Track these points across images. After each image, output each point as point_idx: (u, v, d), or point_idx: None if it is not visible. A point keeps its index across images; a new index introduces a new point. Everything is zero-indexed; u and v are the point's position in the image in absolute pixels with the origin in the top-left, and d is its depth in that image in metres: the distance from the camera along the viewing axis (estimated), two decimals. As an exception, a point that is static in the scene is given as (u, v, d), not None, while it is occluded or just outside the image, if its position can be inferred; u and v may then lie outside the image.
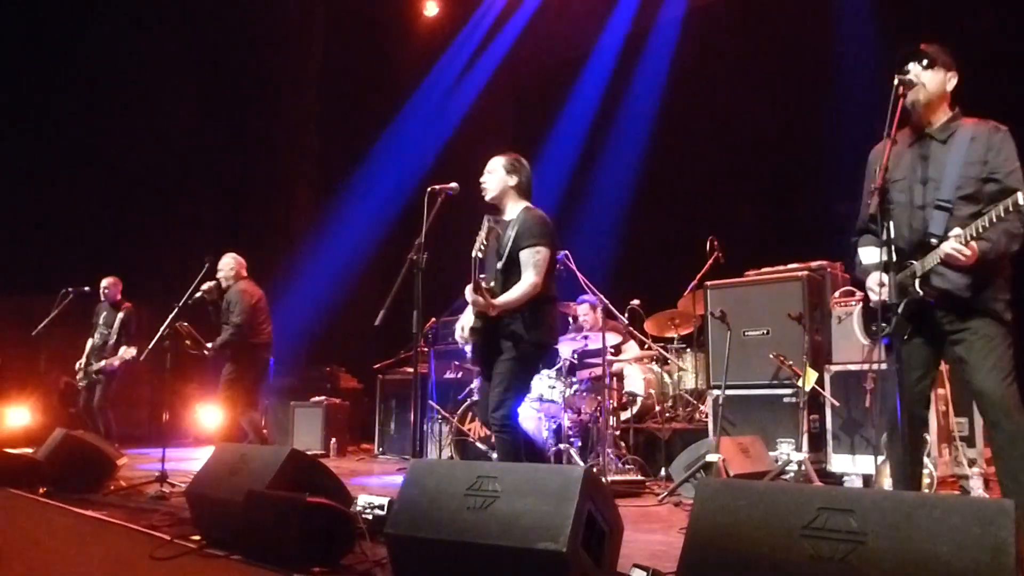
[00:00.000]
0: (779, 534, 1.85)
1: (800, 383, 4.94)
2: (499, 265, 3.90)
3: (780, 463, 4.96)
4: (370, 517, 3.16)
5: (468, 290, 3.78)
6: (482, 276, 3.78)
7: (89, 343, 7.62)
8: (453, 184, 4.06)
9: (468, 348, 4.20)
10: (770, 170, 8.51)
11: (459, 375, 7.45)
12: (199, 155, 11.49)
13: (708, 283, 5.87)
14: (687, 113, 9.16)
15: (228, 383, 6.41)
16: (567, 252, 5.80)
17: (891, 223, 2.79)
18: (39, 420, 7.79)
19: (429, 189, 4.01)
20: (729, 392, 5.24)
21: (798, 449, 5.02)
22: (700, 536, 1.99)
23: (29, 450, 5.79)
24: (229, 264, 6.64)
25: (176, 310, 5.44)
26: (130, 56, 11.01)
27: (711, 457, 4.69)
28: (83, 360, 7.53)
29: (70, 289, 7.37)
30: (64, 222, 10.53)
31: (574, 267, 5.56)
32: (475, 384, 6.75)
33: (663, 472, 5.53)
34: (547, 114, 10.62)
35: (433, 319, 7.31)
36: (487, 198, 4.15)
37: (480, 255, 3.76)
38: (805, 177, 7.98)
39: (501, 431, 3.85)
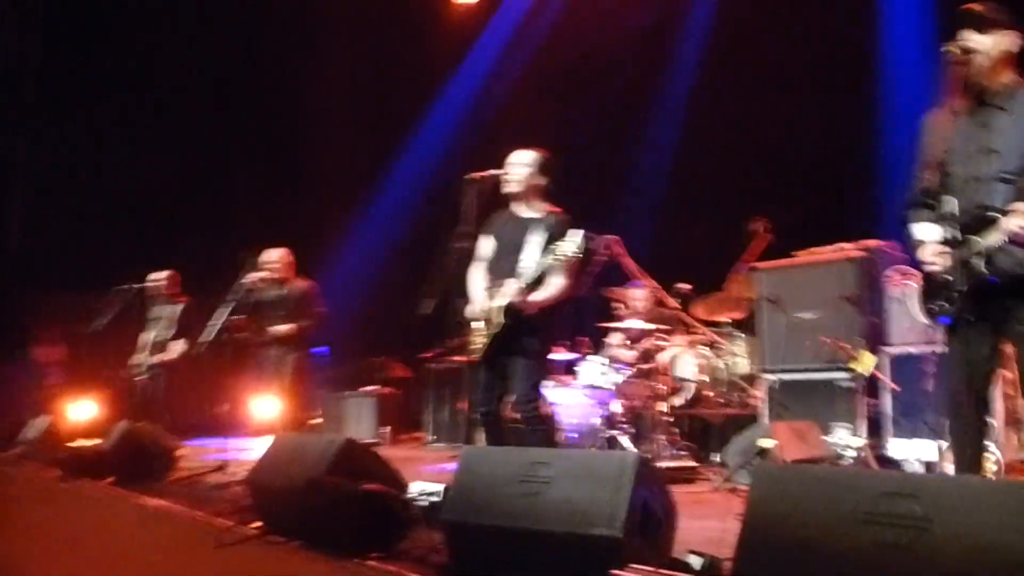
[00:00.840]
0: (840, 520, 1.82)
1: (856, 366, 4.84)
2: (531, 268, 3.98)
3: (837, 448, 4.87)
4: (425, 504, 3.19)
5: (513, 286, 3.89)
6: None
7: (145, 337, 7.82)
8: (491, 171, 4.06)
9: (476, 336, 4.19)
10: (820, 146, 8.30)
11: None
12: (237, 150, 11.69)
13: (759, 265, 5.77)
14: (731, 90, 8.97)
15: (297, 372, 6.58)
16: (616, 237, 5.78)
17: (951, 196, 2.68)
18: (103, 413, 8.02)
19: (466, 177, 4.01)
20: (782, 377, 5.16)
21: (855, 434, 4.92)
22: (757, 522, 1.97)
23: (95, 442, 5.97)
24: (284, 258, 6.75)
25: (232, 304, 5.55)
26: (170, 58, 11.25)
27: (765, 443, 4.63)
28: (141, 354, 7.73)
29: (128, 285, 7.56)
30: (117, 222, 10.83)
31: (622, 251, 5.53)
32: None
33: (716, 458, 5.48)
34: (583, 97, 10.51)
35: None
36: (508, 190, 4.18)
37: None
38: (857, 153, 7.76)
39: (536, 423, 3.99)
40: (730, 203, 8.14)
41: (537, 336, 4.02)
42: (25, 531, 6.50)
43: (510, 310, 3.96)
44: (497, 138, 10.37)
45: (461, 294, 3.96)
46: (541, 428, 4.02)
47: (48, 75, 11.26)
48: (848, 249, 5.49)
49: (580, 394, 5.99)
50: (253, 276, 6.30)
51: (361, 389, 8.67)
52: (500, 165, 4.17)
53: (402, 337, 9.66)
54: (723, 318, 6.90)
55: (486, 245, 4.31)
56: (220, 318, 5.60)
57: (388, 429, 8.42)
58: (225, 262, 7.12)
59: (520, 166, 4.13)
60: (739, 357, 6.93)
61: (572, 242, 3.80)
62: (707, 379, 6.60)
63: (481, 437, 7.08)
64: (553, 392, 6.05)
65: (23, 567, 6.32)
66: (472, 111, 11.10)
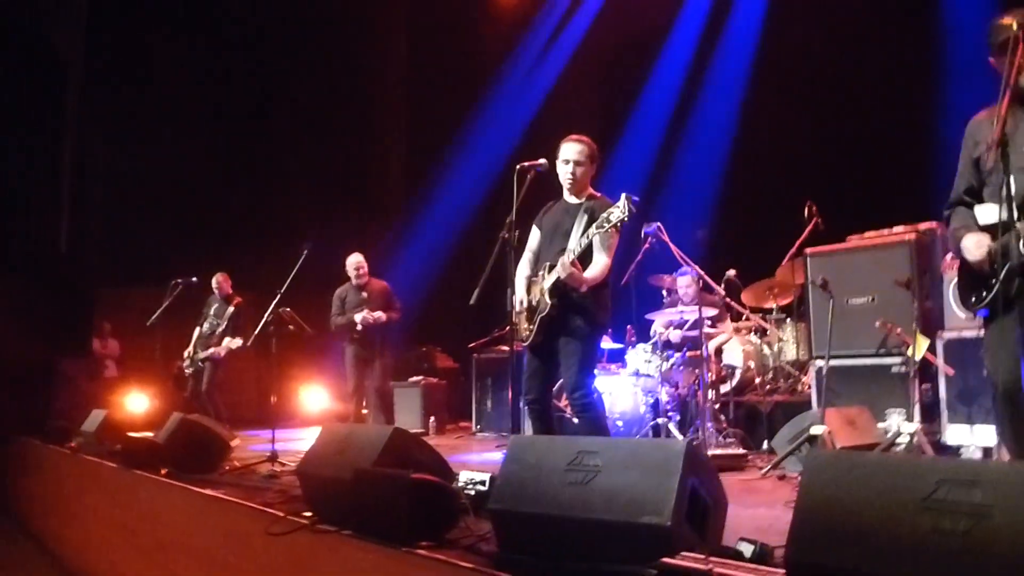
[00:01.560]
0: (897, 507, 1.78)
1: (910, 352, 4.73)
2: (575, 244, 4.02)
3: (890, 435, 4.77)
4: (472, 493, 3.20)
5: (564, 259, 3.89)
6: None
7: (196, 332, 8.06)
8: (542, 161, 4.06)
9: (523, 327, 4.23)
10: (871, 128, 8.09)
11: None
12: (292, 144, 11.83)
13: (808, 250, 5.67)
14: (781, 72, 8.81)
15: (386, 366, 7.40)
16: (659, 224, 5.74)
17: (1011, 178, 2.58)
18: (156, 405, 8.22)
19: (518, 167, 4.02)
20: (833, 362, 5.07)
21: (909, 420, 4.82)
22: (810, 509, 1.93)
23: (149, 434, 6.11)
24: (363, 263, 7.48)
25: (279, 297, 5.63)
26: (225, 58, 11.43)
27: (816, 429, 4.55)
28: (190, 348, 7.98)
29: (179, 280, 7.73)
30: (173, 219, 11.05)
31: (667, 239, 5.48)
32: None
33: (765, 445, 5.42)
34: (633, 83, 10.43)
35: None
36: (565, 184, 4.21)
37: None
38: (909, 135, 7.56)
39: (585, 410, 4.01)
40: (779, 188, 8.01)
41: (585, 318, 4.02)
42: (85, 519, 6.71)
43: (556, 288, 3.99)
44: (546, 127, 10.37)
45: (510, 284, 3.96)
46: (588, 415, 4.03)
47: (96, 75, 11.53)
48: (902, 232, 5.36)
49: (626, 381, 5.97)
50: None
51: (408, 379, 8.76)
52: (549, 154, 4.17)
53: (448, 327, 9.73)
54: (771, 304, 6.81)
55: (534, 236, 4.38)
56: (268, 312, 5.69)
57: (434, 419, 8.49)
58: (276, 256, 7.26)
59: (573, 162, 4.17)
60: (787, 343, 6.83)
61: (617, 208, 3.79)
62: (754, 365, 6.53)
63: (529, 426, 7.13)
64: (600, 380, 6.04)
65: (84, 554, 6.53)
66: (521, 101, 11.10)
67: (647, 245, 6.20)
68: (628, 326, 6.80)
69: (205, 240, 10.62)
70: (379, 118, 12.25)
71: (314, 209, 11.43)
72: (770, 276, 6.70)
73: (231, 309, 7.95)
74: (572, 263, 3.90)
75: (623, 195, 3.77)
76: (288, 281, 5.69)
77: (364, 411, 8.33)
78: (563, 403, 6.33)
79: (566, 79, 11.05)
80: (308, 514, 3.35)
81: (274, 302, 5.68)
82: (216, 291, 8.19)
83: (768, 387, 6.30)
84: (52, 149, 11.56)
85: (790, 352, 6.87)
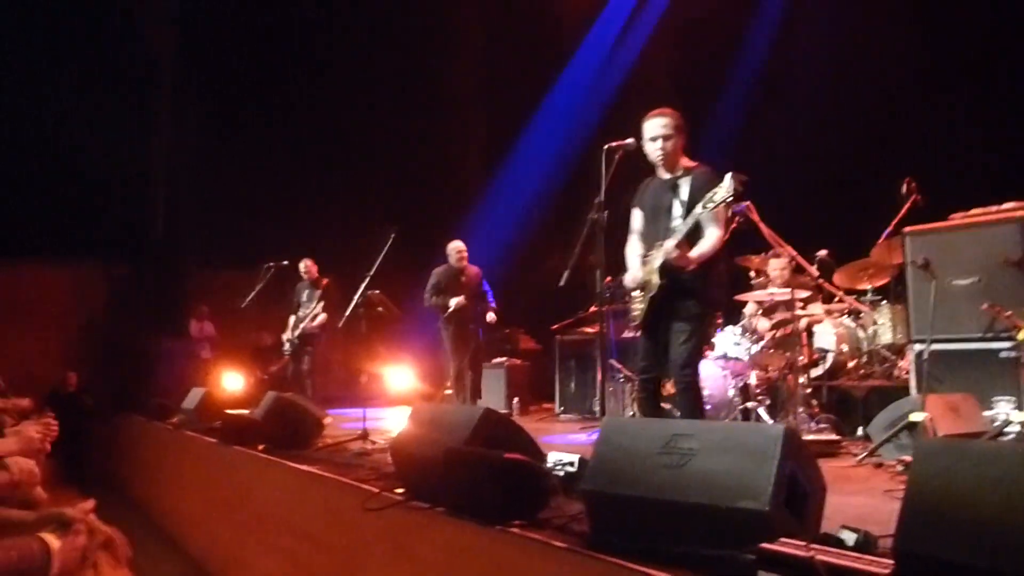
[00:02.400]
0: (1015, 497, 1.70)
1: (1021, 336, 4.49)
2: (682, 224, 3.94)
3: (997, 423, 4.55)
4: (561, 474, 3.21)
5: (669, 243, 3.87)
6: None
7: (292, 319, 8.40)
8: (629, 140, 4.01)
9: (636, 306, 4.23)
10: (976, 97, 7.66)
11: (638, 333, 7.40)
12: (377, 129, 12.01)
13: (907, 229, 5.42)
14: (875, 39, 8.44)
15: (481, 346, 7.74)
16: (749, 203, 5.60)
17: None
18: (250, 384, 8.52)
19: (606, 146, 3.98)
20: (935, 347, 4.85)
21: (1019, 408, 4.58)
22: (921, 498, 1.86)
23: (245, 411, 6.33)
24: (464, 248, 7.84)
25: (368, 279, 5.74)
26: (307, 44, 11.67)
27: (916, 416, 4.37)
28: (287, 332, 8.33)
29: (271, 263, 7.98)
30: (263, 203, 11.38)
31: (757, 218, 5.35)
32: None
33: (860, 432, 5.25)
34: (714, 58, 10.17)
35: (609, 278, 7.29)
36: (654, 160, 4.14)
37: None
38: (1019, 103, 7.13)
39: (688, 388, 3.99)
40: (874, 164, 7.71)
41: (695, 298, 3.99)
42: (186, 493, 7.02)
43: (666, 268, 3.95)
44: (628, 104, 10.24)
45: (599, 265, 3.95)
46: (690, 393, 4.04)
47: (188, 65, 11.94)
48: (1012, 208, 5.07)
49: (715, 365, 5.87)
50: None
51: (492, 361, 8.83)
52: (632, 132, 4.11)
53: (531, 309, 9.76)
54: (865, 285, 6.59)
55: (636, 216, 4.33)
56: (358, 294, 5.81)
57: (517, 400, 8.54)
58: (363, 240, 7.41)
59: (661, 137, 4.09)
60: (883, 326, 6.59)
61: (722, 188, 3.74)
62: (847, 349, 6.33)
63: (614, 407, 7.11)
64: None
65: (185, 526, 6.84)
66: (602, 79, 10.98)
67: (735, 225, 6.06)
68: (715, 308, 6.68)
69: (295, 224, 10.92)
70: (458, 100, 12.32)
71: (398, 193, 11.61)
72: (864, 256, 6.47)
73: (319, 291, 8.31)
74: (678, 246, 3.87)
75: (728, 174, 3.72)
76: (376, 264, 5.79)
77: (448, 391, 8.46)
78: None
79: (646, 55, 10.87)
80: (400, 491, 3.42)
81: (363, 284, 5.80)
82: (304, 276, 8.54)
83: (862, 372, 6.09)
84: (146, 138, 12.06)
85: (886, 335, 6.62)
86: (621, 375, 6.92)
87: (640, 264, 4.21)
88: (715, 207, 3.78)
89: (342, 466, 4.36)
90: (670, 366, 4.09)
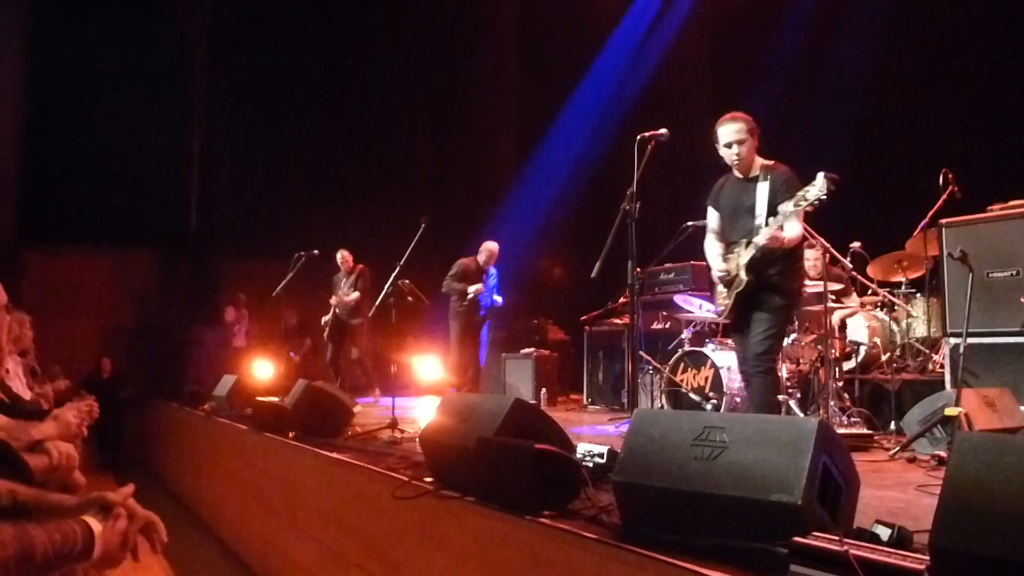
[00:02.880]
0: (1057, 494, 1.67)
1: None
2: (760, 222, 4.14)
3: (1035, 418, 4.48)
4: (591, 465, 3.21)
5: (765, 232, 4.04)
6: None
7: (333, 299, 8.66)
8: (663, 130, 3.99)
9: (721, 300, 4.41)
10: (1015, 89, 7.50)
11: (667, 325, 7.38)
12: (408, 120, 12.05)
13: (943, 221, 5.34)
14: (914, 26, 8.30)
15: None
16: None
17: None
18: (282, 372, 8.60)
19: (639, 137, 3.96)
20: (971, 340, 4.76)
21: (1057, 403, 4.51)
22: (959, 494, 1.84)
23: (276, 399, 6.40)
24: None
25: (398, 268, 5.76)
26: (340, 38, 11.73)
27: (951, 410, 4.31)
28: (328, 317, 8.57)
29: (302, 253, 8.02)
30: (295, 194, 11.49)
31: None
32: (685, 334, 6.65)
33: (892, 426, 5.19)
34: (749, 47, 10.05)
35: (639, 269, 7.26)
36: (741, 167, 4.29)
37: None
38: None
39: (766, 374, 4.20)
40: (909, 155, 7.59)
41: (780, 294, 4.19)
42: (218, 478, 7.13)
43: (752, 265, 4.14)
44: (660, 95, 10.17)
45: (631, 257, 3.96)
46: (767, 379, 4.23)
47: (222, 57, 12.04)
48: (1056, 199, 4.97)
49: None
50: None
51: (520, 351, 8.83)
52: (663, 123, 4.10)
53: (559, 300, 9.75)
54: (899, 278, 6.50)
55: (713, 216, 4.52)
56: (388, 283, 5.84)
57: (545, 391, 8.53)
58: (393, 230, 7.46)
59: (735, 143, 4.23)
60: (917, 319, 6.50)
61: (815, 186, 3.85)
62: (880, 342, 6.26)
63: (643, 399, 7.08)
64: (716, 354, 5.93)
65: (217, 511, 6.94)
66: (634, 70, 10.90)
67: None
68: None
69: (326, 215, 11.00)
70: (490, 91, 12.31)
71: (429, 184, 11.65)
72: (898, 248, 6.38)
73: (354, 276, 8.68)
74: (769, 238, 4.05)
75: (821, 174, 3.82)
76: (407, 254, 5.81)
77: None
78: (678, 376, 6.26)
79: (680, 43, 10.76)
80: (429, 480, 3.44)
81: (394, 274, 5.82)
82: (341, 265, 8.83)
83: (896, 365, 6.01)
84: (180, 130, 12.20)
85: (920, 329, 6.53)
86: (650, 367, 6.89)
87: (722, 261, 4.39)
88: (806, 205, 3.90)
89: (372, 455, 4.39)
90: (747, 353, 4.28)
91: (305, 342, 10.63)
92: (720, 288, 4.42)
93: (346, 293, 8.63)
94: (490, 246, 8.13)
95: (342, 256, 8.81)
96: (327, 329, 8.77)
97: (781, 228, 4.08)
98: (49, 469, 2.63)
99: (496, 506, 2.87)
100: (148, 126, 11.37)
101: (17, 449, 2.49)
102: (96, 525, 1.56)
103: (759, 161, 4.32)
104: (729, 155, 4.26)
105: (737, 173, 4.36)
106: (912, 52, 8.29)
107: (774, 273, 4.18)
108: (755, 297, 4.22)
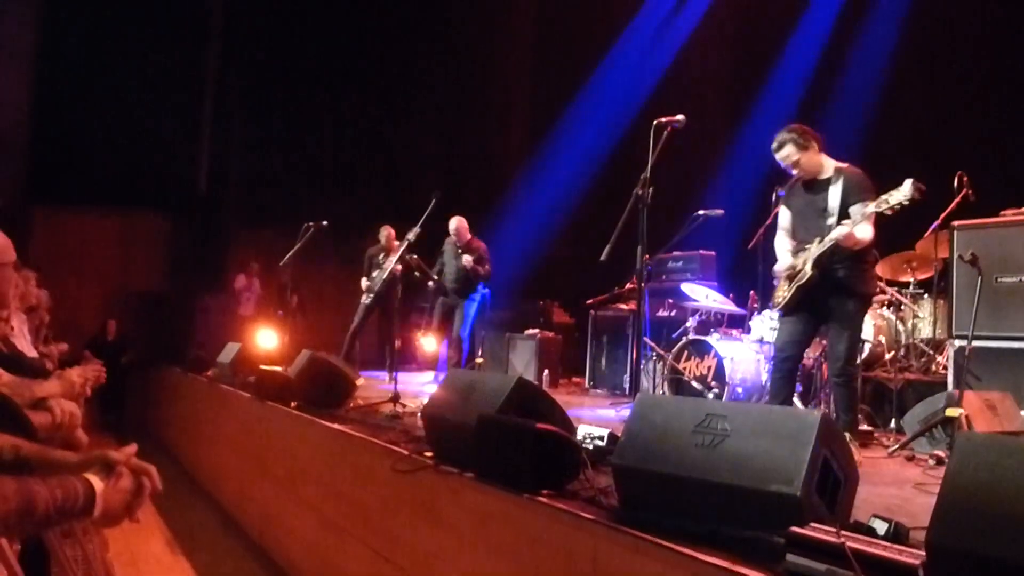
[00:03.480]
0: (1057, 497, 1.68)
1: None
2: (832, 221, 4.22)
3: (1035, 422, 4.48)
4: (590, 447, 3.22)
5: (840, 229, 4.13)
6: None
7: (364, 282, 8.40)
8: (680, 116, 3.97)
9: (779, 294, 4.50)
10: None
11: (672, 313, 7.38)
12: (420, 96, 12.00)
13: (955, 223, 5.32)
14: (933, 28, 8.22)
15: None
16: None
17: None
18: (284, 342, 8.62)
19: (656, 122, 3.94)
20: (976, 343, 4.76)
21: (1059, 409, 4.50)
22: (958, 492, 1.84)
23: (279, 368, 6.41)
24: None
25: (406, 243, 5.76)
26: (365, 10, 11.67)
27: (952, 411, 4.31)
28: (365, 282, 8.36)
29: (311, 224, 8.01)
30: (305, 165, 11.47)
31: (802, 204, 5.25)
32: (691, 323, 6.65)
33: (892, 424, 5.20)
34: (770, 39, 9.97)
35: (647, 255, 7.24)
36: (808, 176, 4.42)
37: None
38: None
39: (850, 381, 4.33)
40: (924, 156, 7.54)
41: (852, 297, 4.27)
42: (218, 444, 7.17)
43: (820, 260, 4.21)
44: (678, 80, 10.10)
45: (640, 242, 3.95)
46: (851, 386, 4.36)
47: (236, 25, 11.99)
48: (1069, 206, 4.94)
49: (749, 349, 5.83)
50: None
51: (524, 332, 8.84)
52: (679, 108, 4.08)
53: (565, 282, 9.74)
54: (907, 278, 6.48)
55: (784, 215, 4.62)
56: (395, 258, 5.84)
57: (547, 372, 8.54)
58: (402, 204, 7.44)
59: (791, 164, 4.36)
60: (923, 320, 6.49)
61: (900, 192, 3.92)
62: (885, 341, 6.25)
63: (645, 385, 7.09)
64: (720, 344, 5.93)
65: (217, 476, 6.98)
66: (652, 55, 10.83)
67: (778, 209, 5.98)
68: (751, 291, 6.62)
69: (336, 186, 10.98)
70: (505, 69, 12.25)
71: (441, 161, 11.61)
72: (909, 248, 6.35)
73: (392, 257, 8.44)
74: (846, 236, 4.12)
75: (909, 181, 3.90)
76: (416, 228, 5.81)
77: (479, 359, 8.50)
78: (681, 364, 6.26)
79: (700, 32, 10.68)
80: (429, 455, 3.46)
81: (401, 249, 5.82)
82: (385, 243, 8.45)
83: (899, 364, 6.01)
84: (193, 95, 12.17)
85: (925, 330, 6.52)
86: (653, 353, 6.90)
87: (791, 257, 4.48)
88: (887, 208, 3.97)
89: (373, 427, 4.41)
90: (832, 362, 4.42)
91: (292, 299, 10.45)
92: (781, 283, 4.49)
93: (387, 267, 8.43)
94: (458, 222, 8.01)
95: (386, 235, 8.42)
96: (365, 297, 8.38)
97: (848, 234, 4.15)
98: (51, 427, 2.64)
99: (495, 483, 2.89)
100: (160, 90, 11.35)
101: (20, 405, 2.51)
102: (98, 483, 1.56)
103: (830, 163, 4.39)
104: (794, 172, 4.43)
105: (808, 175, 4.46)
106: (934, 51, 8.23)
107: (841, 270, 4.24)
108: (826, 299, 4.30)
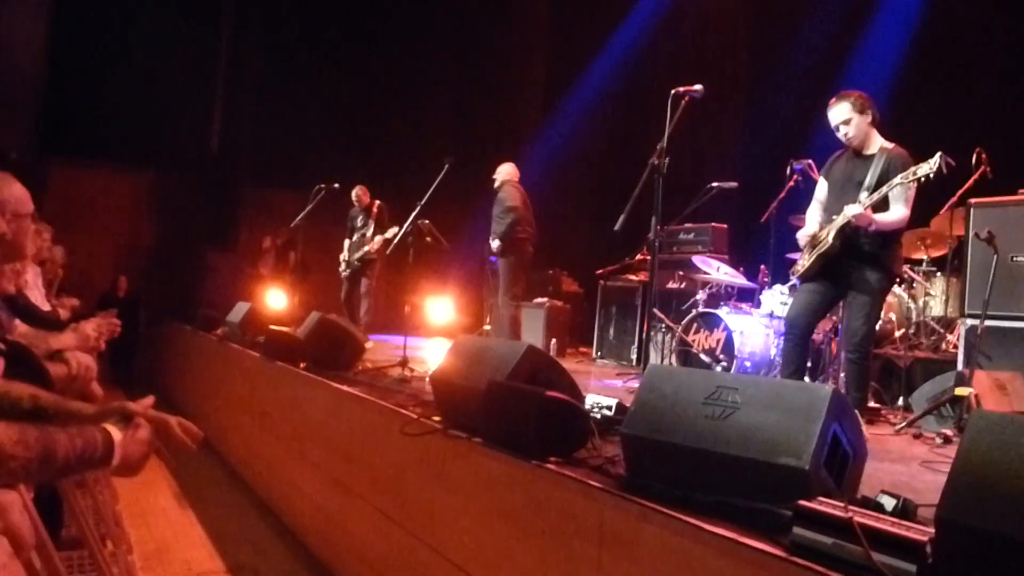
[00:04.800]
0: (1070, 478, 1.67)
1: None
2: (864, 195, 4.15)
3: (1045, 404, 4.46)
4: (598, 416, 3.23)
5: (853, 208, 4.09)
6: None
7: (346, 243, 8.48)
8: (698, 87, 3.93)
9: (801, 263, 4.48)
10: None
11: (683, 285, 7.37)
12: (434, 59, 11.89)
13: (972, 200, 5.26)
14: (955, 9, 8.08)
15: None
16: (811, 162, 5.49)
17: None
18: (295, 302, 8.65)
19: (673, 91, 3.90)
20: (988, 323, 4.73)
21: (1070, 390, 4.49)
22: (970, 470, 1.84)
23: (288, 329, 6.44)
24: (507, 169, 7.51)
25: (418, 208, 5.74)
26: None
27: (961, 390, 4.31)
28: (344, 255, 8.44)
29: (322, 186, 8.00)
30: (318, 127, 11.41)
31: (817, 177, 5.20)
32: (700, 296, 6.63)
33: (900, 402, 5.20)
34: (789, 11, 9.82)
35: (659, 227, 7.20)
36: (855, 144, 4.35)
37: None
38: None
39: (864, 359, 4.26)
40: (941, 132, 7.44)
41: (877, 271, 4.19)
42: (227, 402, 7.23)
43: (841, 231, 4.15)
44: (696, 50, 9.97)
45: (654, 212, 3.92)
46: (864, 364, 4.28)
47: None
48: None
49: (759, 323, 5.82)
50: None
51: (533, 300, 8.84)
52: (697, 78, 4.03)
53: (576, 252, 9.72)
54: (921, 256, 6.44)
55: (822, 187, 4.56)
56: (407, 222, 5.83)
57: (555, 341, 8.56)
58: (415, 169, 7.38)
59: (841, 123, 4.28)
60: (934, 298, 6.46)
61: (929, 163, 3.86)
62: (895, 318, 6.23)
63: (653, 357, 7.09)
64: (729, 318, 5.92)
65: (224, 434, 7.04)
66: (670, 22, 10.67)
67: (792, 183, 5.93)
68: (762, 265, 6.59)
69: (348, 148, 10.94)
70: (519, 36, 12.11)
71: (454, 124, 11.54)
72: (923, 226, 6.31)
73: (374, 211, 8.42)
74: (864, 208, 4.07)
75: (938, 153, 3.84)
76: (429, 194, 5.78)
77: (487, 327, 8.53)
78: (690, 336, 6.26)
79: (719, 1, 10.52)
80: (437, 419, 3.48)
81: (414, 213, 5.81)
82: (356, 203, 8.61)
83: (909, 342, 6.00)
84: (207, 52, 12.09)
85: (937, 308, 6.49)
86: (663, 325, 6.90)
87: (817, 227, 4.45)
88: (914, 179, 3.93)
89: (382, 391, 4.43)
90: (847, 336, 4.36)
91: (290, 257, 10.43)
92: (805, 251, 4.46)
93: (368, 236, 8.36)
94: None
95: (357, 194, 8.57)
96: (344, 267, 8.60)
97: (874, 208, 4.10)
98: (67, 378, 2.67)
99: (503, 449, 2.90)
100: (175, 47, 11.27)
101: (38, 356, 2.53)
102: (116, 434, 1.58)
103: (879, 141, 4.34)
104: (840, 136, 4.33)
105: (853, 150, 4.39)
106: (957, 23, 8.09)
107: (866, 243, 4.19)
108: (849, 271, 4.25)
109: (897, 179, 3.99)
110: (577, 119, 10.91)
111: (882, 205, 4.16)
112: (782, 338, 5.67)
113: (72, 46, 11.07)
